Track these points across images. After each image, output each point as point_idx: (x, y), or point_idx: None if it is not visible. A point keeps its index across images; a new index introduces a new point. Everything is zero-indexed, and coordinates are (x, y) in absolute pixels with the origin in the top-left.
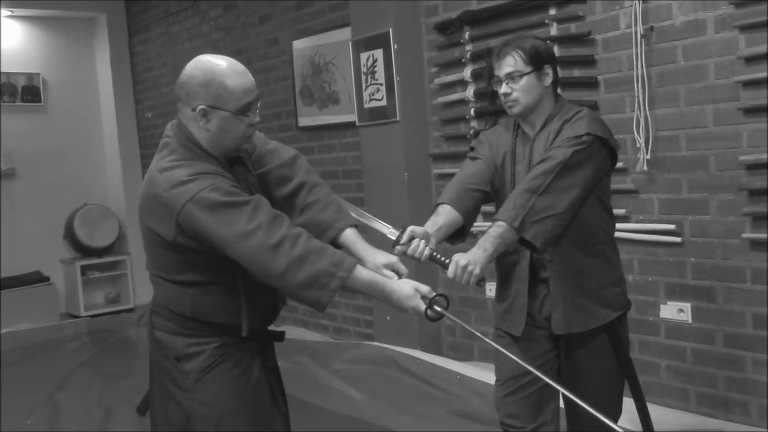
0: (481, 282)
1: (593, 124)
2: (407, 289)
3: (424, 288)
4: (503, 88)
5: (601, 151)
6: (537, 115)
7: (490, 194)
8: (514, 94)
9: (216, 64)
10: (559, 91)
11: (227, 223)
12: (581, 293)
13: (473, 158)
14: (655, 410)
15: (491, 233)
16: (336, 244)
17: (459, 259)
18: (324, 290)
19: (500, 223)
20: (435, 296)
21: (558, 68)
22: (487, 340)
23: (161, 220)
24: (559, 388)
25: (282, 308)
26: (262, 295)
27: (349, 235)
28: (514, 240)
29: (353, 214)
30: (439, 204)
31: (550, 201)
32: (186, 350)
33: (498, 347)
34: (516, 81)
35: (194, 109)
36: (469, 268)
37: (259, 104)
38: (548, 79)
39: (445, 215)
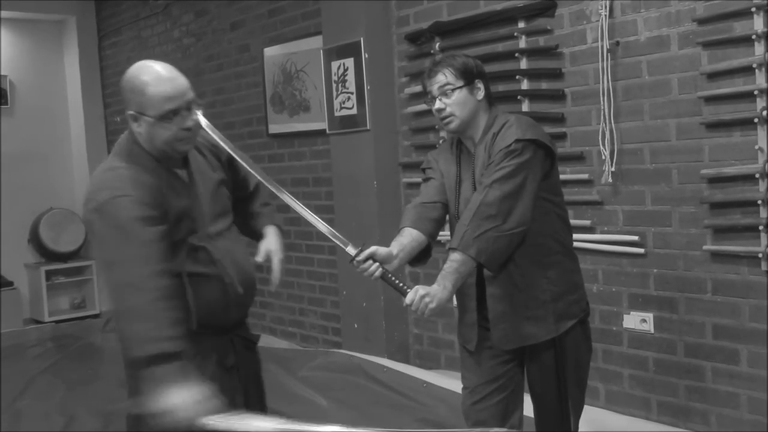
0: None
1: (521, 129)
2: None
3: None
4: (437, 104)
5: (536, 153)
6: (475, 130)
7: (448, 205)
8: (448, 109)
9: (142, 71)
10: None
11: (110, 245)
12: (534, 305)
13: (426, 179)
14: (617, 419)
15: (447, 269)
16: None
17: (419, 289)
18: (144, 347)
19: (453, 256)
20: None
21: (489, 84)
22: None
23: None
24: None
25: (245, 307)
26: (207, 288)
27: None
28: (472, 267)
29: (318, 224)
30: (402, 228)
31: (489, 213)
32: None
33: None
34: (449, 96)
35: (129, 113)
36: (426, 299)
37: (193, 108)
38: (480, 93)
39: (409, 235)
